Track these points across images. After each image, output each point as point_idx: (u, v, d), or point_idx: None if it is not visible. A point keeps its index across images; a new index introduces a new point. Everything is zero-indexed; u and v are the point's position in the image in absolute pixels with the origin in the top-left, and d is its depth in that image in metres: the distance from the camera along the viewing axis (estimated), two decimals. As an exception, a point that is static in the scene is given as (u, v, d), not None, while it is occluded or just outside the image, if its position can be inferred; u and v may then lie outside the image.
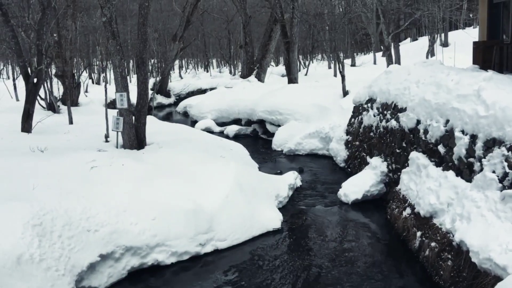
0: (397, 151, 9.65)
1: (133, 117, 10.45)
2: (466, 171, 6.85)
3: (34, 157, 8.89)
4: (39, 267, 5.62)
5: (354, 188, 10.14)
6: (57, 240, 6.19)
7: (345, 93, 16.63)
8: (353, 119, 13.05)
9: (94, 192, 7.43)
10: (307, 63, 38.73)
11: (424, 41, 36.60)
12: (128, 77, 24.00)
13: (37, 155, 9.15)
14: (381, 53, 35.80)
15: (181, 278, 7.02)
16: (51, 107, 17.04)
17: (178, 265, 7.30)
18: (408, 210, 8.09)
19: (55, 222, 6.36)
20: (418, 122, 8.77)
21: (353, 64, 36.94)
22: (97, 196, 7.35)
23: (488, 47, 10.71)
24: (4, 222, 5.85)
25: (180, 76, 45.15)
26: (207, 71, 48.28)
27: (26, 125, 12.67)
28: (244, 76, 28.98)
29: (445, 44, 33.65)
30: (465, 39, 24.03)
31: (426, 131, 8.33)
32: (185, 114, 24.92)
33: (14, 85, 21.53)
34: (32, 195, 6.81)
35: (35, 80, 13.07)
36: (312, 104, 16.27)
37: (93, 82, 34.39)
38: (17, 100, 20.41)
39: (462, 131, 7.07)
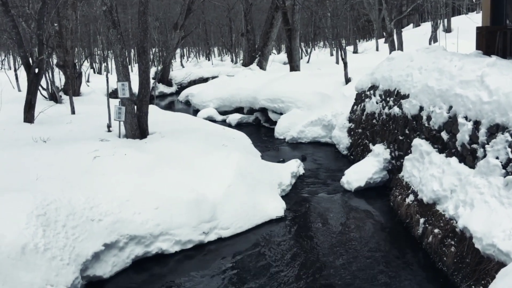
0: (400, 138, 9.62)
1: (135, 107, 10.44)
2: (469, 157, 6.83)
3: (36, 148, 8.90)
4: (43, 257, 5.65)
5: (357, 175, 10.13)
6: (61, 229, 6.21)
7: (348, 80, 16.52)
8: (355, 107, 13.00)
9: (97, 182, 7.45)
10: (309, 50, 38.45)
11: (426, 27, 36.34)
12: (129, 67, 23.97)
13: (39, 146, 9.16)
14: (383, 39, 35.53)
15: (185, 266, 7.06)
16: (53, 97, 17.01)
17: (182, 254, 7.34)
18: (411, 197, 8.09)
19: (59, 212, 6.38)
20: (421, 108, 8.73)
21: (355, 51, 36.71)
22: (100, 186, 7.36)
23: (491, 32, 10.59)
24: (8, 213, 5.87)
25: (182, 65, 45.01)
26: (209, 60, 48.12)
27: (28, 116, 12.67)
28: (246, 64, 28.83)
29: (448, 29, 33.43)
30: (468, 24, 23.80)
31: (429, 118, 8.29)
32: (187, 103, 24.88)
33: (16, 75, 21.50)
34: (36, 185, 6.83)
35: (36, 70, 13.03)
36: (314, 91, 16.19)
37: (94, 72, 34.32)
38: (19, 90, 20.38)
39: (466, 117, 7.03)
